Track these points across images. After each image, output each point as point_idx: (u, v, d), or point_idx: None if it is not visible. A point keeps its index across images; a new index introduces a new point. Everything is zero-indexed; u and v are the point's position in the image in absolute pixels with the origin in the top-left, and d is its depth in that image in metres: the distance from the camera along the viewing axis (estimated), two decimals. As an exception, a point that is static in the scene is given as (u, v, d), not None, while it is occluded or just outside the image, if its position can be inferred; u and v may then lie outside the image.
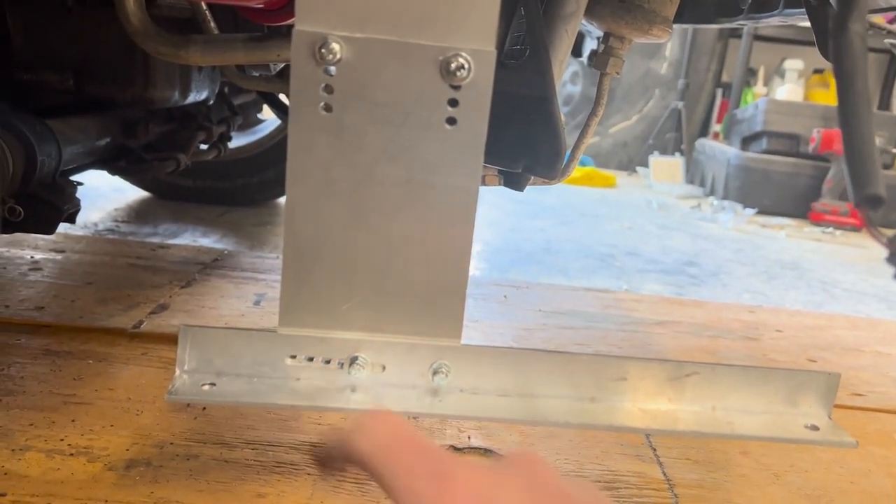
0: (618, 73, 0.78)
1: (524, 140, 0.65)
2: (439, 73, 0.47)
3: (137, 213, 2.01)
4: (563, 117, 0.83)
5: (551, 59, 0.70)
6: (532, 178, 0.73)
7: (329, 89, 0.47)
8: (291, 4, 0.48)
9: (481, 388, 0.54)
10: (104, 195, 2.11)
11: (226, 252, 1.47)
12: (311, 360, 0.52)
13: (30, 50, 0.96)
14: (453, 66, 0.47)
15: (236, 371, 0.52)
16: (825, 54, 0.80)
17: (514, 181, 0.72)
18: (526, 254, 2.05)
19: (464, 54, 0.47)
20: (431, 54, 0.47)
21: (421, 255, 0.51)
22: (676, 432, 0.52)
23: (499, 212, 2.67)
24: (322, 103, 0.48)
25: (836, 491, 0.78)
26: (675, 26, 1.25)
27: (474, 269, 1.83)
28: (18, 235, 1.42)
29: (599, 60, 0.78)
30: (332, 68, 0.47)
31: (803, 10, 0.88)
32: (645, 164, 4.24)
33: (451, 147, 0.49)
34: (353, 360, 0.52)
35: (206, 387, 0.51)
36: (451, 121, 0.48)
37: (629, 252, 2.23)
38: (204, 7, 0.67)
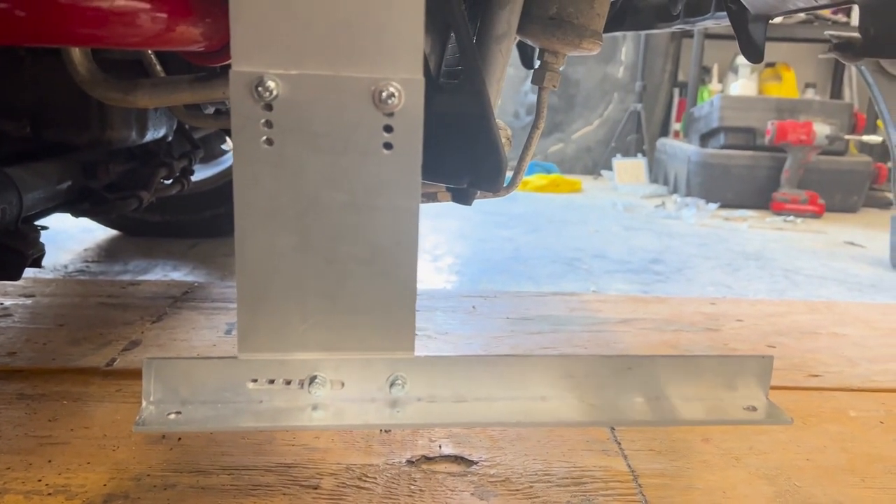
0: (555, 87, 0.82)
1: (466, 158, 0.68)
2: (372, 103, 0.50)
3: (107, 252, 2.01)
4: (509, 131, 0.86)
5: (487, 78, 0.73)
6: (479, 192, 0.76)
7: (269, 124, 0.50)
8: (229, 46, 0.51)
9: (438, 395, 0.57)
10: (73, 236, 2.11)
11: (196, 284, 1.48)
12: (272, 382, 0.55)
13: (-16, 100, 0.97)
14: (384, 94, 0.50)
15: (201, 398, 0.54)
16: (747, 56, 0.85)
17: (462, 196, 0.75)
18: (495, 263, 2.08)
19: (394, 83, 0.50)
20: (364, 85, 0.50)
21: (369, 273, 0.54)
22: (623, 422, 0.55)
23: (467, 224, 2.71)
24: (263, 137, 0.50)
25: (792, 469, 0.82)
26: (628, 32, 1.30)
27: (445, 282, 1.86)
28: (-14, 283, 1.42)
29: (536, 75, 0.82)
30: (271, 104, 0.49)
31: (728, 14, 0.93)
32: (609, 168, 4.31)
33: (389, 170, 0.52)
34: (313, 380, 0.55)
35: (173, 416, 0.53)
36: (388, 146, 0.51)
37: (596, 255, 2.28)
38: (150, 53, 0.69)
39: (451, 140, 0.67)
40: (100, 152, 1.15)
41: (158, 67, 0.70)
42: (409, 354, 0.56)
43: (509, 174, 0.85)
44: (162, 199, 1.98)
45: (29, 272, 1.58)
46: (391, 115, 0.51)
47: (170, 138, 1.24)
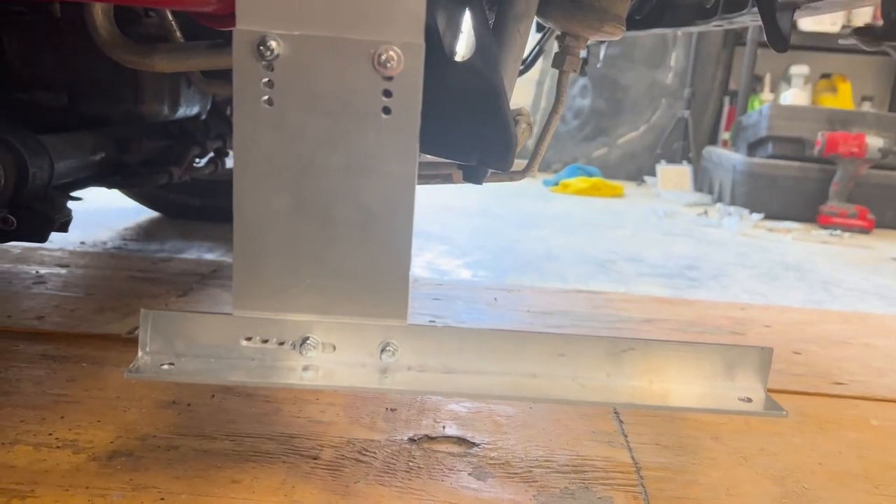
0: (575, 71, 0.81)
1: (475, 134, 0.68)
2: (372, 66, 0.51)
3: (146, 232, 2.06)
4: (532, 118, 0.86)
5: (503, 57, 0.73)
6: (489, 171, 0.76)
7: (270, 84, 0.51)
8: (238, 8, 0.52)
9: (428, 365, 0.57)
10: (114, 216, 2.16)
11: (225, 263, 1.51)
12: (265, 341, 0.56)
13: (25, 71, 1.01)
14: (384, 58, 0.50)
15: (195, 352, 0.55)
16: (773, 44, 0.83)
17: (473, 175, 0.75)
18: (525, 261, 2.07)
19: (394, 47, 0.50)
20: (364, 48, 0.50)
21: (363, 238, 0.54)
22: (613, 403, 0.54)
23: (501, 222, 2.70)
24: (264, 97, 0.51)
25: (803, 471, 0.80)
26: (679, 34, 1.28)
27: (473, 276, 1.85)
28: (27, 252, 1.47)
29: (557, 59, 0.81)
30: (272, 64, 0.50)
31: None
32: (653, 174, 4.25)
33: (387, 135, 0.52)
34: (305, 341, 0.55)
35: (166, 366, 0.54)
36: (386, 110, 0.52)
37: (630, 258, 2.24)
38: (170, 17, 0.71)
39: (462, 115, 0.67)
40: (134, 127, 1.19)
41: (178, 34, 0.72)
42: (402, 322, 0.56)
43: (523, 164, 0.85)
44: (202, 183, 2.03)
45: (68, 244, 1.63)
46: (390, 79, 0.51)
47: (203, 116, 1.27)
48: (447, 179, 0.85)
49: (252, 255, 0.54)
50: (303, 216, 0.53)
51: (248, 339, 0.55)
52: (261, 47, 0.50)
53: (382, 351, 0.56)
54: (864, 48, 0.71)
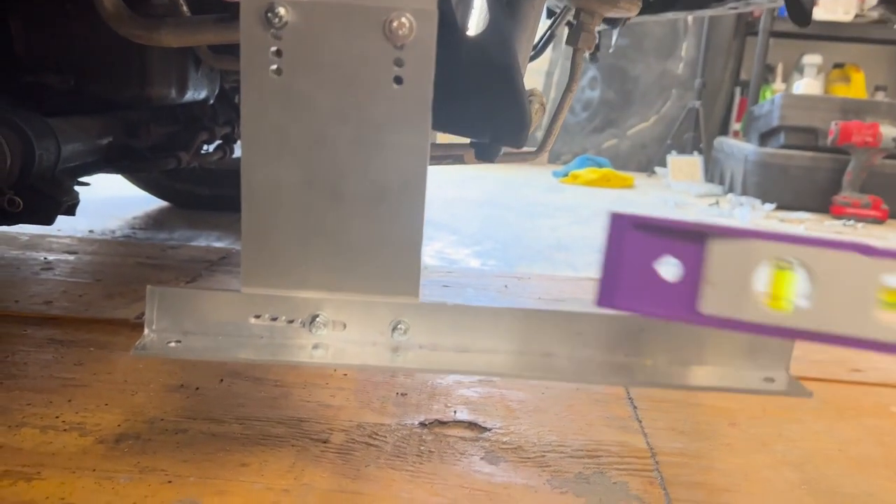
0: (589, 49, 0.80)
1: (489, 110, 0.66)
2: (383, 34, 0.49)
3: (155, 221, 2.05)
4: (553, 107, 0.84)
5: (516, 33, 0.71)
6: (502, 149, 0.74)
7: (278, 53, 0.49)
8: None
9: (440, 344, 0.55)
10: (123, 206, 2.16)
11: (233, 251, 1.50)
12: (274, 319, 0.54)
13: (31, 53, 1.00)
14: (395, 25, 0.48)
15: (203, 330, 0.54)
16: (794, 18, 0.81)
17: (485, 152, 0.73)
18: (535, 250, 2.05)
19: (406, 14, 0.49)
20: (374, 15, 0.49)
21: (375, 213, 0.52)
22: (630, 383, 0.53)
23: (511, 213, 2.68)
24: (273, 66, 0.50)
25: (822, 458, 0.78)
26: (690, 22, 1.26)
27: (482, 265, 1.84)
28: (35, 239, 1.47)
29: (571, 36, 0.79)
30: (280, 32, 0.49)
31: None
32: (664, 165, 4.21)
33: (399, 105, 0.51)
34: (314, 319, 0.54)
35: (173, 344, 0.53)
36: (398, 80, 0.50)
37: (641, 247, 2.22)
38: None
39: (475, 91, 0.65)
40: (142, 112, 1.17)
41: (185, 8, 0.70)
42: (414, 300, 0.55)
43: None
44: (211, 172, 2.03)
45: (76, 231, 1.63)
46: (402, 47, 0.49)
47: (211, 101, 1.25)
48: (458, 160, 0.84)
49: (260, 230, 0.53)
50: (312, 190, 0.52)
51: (257, 316, 0.54)
52: (269, 14, 0.48)
53: (394, 329, 0.54)
54: (891, 14, 0.69)
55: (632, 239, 0.46)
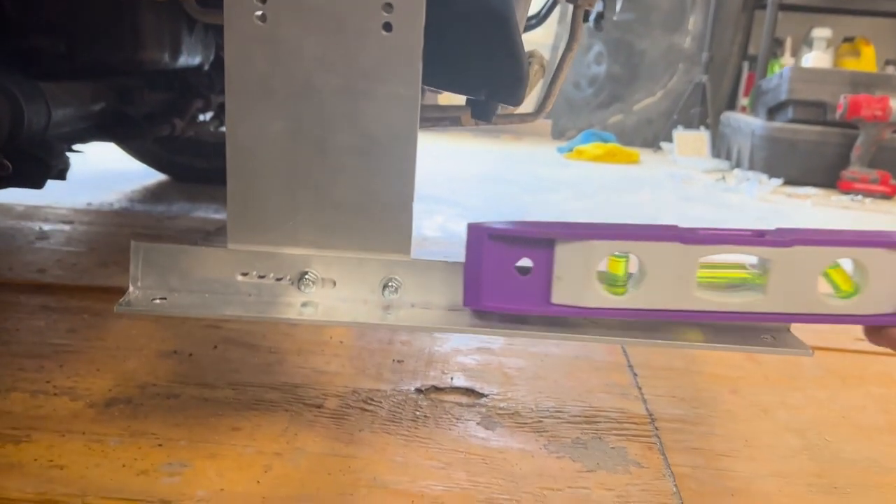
0: (590, 6, 0.77)
1: (485, 65, 0.64)
2: (371, -23, 0.47)
3: (153, 194, 2.03)
4: (553, 65, 0.82)
5: (514, -15, 0.69)
6: (499, 108, 0.72)
7: (262, -2, 0.47)
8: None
9: (433, 302, 0.54)
10: (121, 180, 2.14)
11: (232, 222, 1.49)
12: (262, 277, 0.53)
13: (21, 15, 0.98)
14: (384, -33, 0.46)
15: (189, 287, 0.53)
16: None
17: (481, 112, 0.71)
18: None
19: (395, -44, 0.46)
20: (362, -42, 0.47)
21: (364, 166, 0.51)
22: (626, 342, 0.52)
23: (515, 187, 2.66)
24: (257, 13, 0.48)
25: (825, 424, 0.77)
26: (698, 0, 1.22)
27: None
28: (30, 210, 1.45)
29: (571, -8, 0.77)
30: (264, -24, 0.47)
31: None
32: (670, 140, 4.17)
33: (388, 53, 0.49)
34: (303, 276, 0.52)
35: (158, 300, 0.51)
36: (387, 26, 0.48)
37: (648, 221, 2.20)
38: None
39: (470, 45, 0.63)
40: (136, 78, 1.15)
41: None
42: (405, 257, 0.53)
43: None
44: (208, 145, 2.00)
45: (73, 202, 1.61)
46: (391, -8, 0.47)
47: (206, 68, 1.23)
48: (454, 122, 0.82)
49: (246, 185, 0.51)
50: (299, 142, 0.50)
51: (245, 274, 0.53)
52: (252, -43, 0.46)
53: (385, 287, 0.53)
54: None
55: (489, 247, 0.52)
